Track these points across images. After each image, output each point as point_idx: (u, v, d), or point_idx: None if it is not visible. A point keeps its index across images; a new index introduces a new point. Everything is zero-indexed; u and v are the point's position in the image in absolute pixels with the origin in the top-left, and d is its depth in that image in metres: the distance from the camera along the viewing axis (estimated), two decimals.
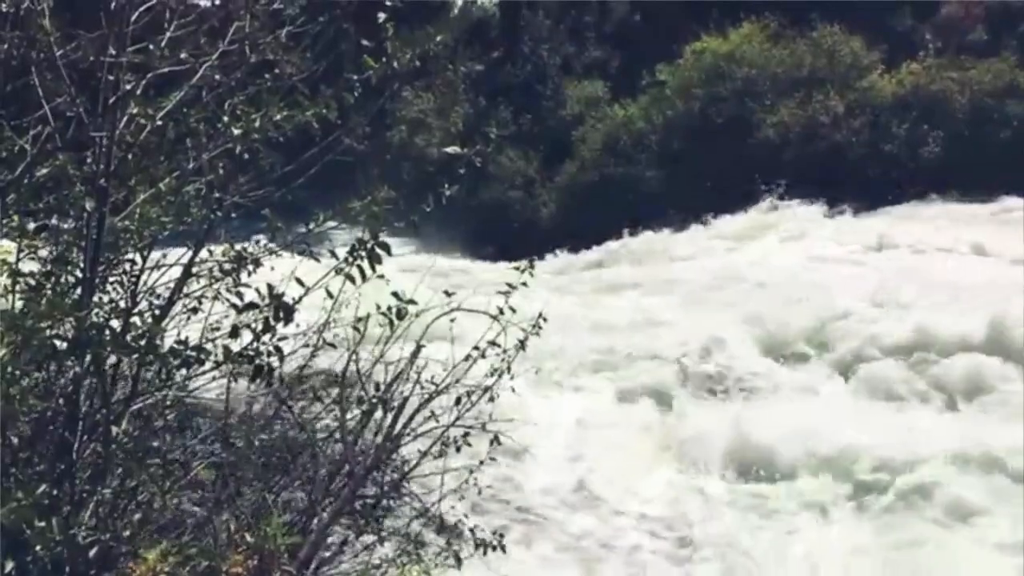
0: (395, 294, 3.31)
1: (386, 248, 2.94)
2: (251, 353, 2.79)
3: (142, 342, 2.67)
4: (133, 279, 3.26)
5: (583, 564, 7.49)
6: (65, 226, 3.13)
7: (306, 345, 3.94)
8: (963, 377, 10.12)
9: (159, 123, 2.93)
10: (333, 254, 3.03)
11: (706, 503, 8.30)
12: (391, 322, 3.37)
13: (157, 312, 3.16)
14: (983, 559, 7.11)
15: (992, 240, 15.35)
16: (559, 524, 7.99)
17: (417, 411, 4.05)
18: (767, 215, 19.06)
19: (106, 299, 3.07)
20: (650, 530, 7.90)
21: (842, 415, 9.61)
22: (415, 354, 4.11)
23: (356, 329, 3.88)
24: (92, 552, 2.65)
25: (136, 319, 2.84)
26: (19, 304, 2.79)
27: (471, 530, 4.21)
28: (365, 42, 3.12)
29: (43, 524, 2.41)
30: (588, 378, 11.27)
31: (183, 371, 2.89)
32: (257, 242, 3.33)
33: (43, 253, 3.13)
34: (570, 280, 17.09)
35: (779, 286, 13.75)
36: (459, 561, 4.03)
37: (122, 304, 3.06)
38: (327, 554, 3.87)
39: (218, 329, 3.20)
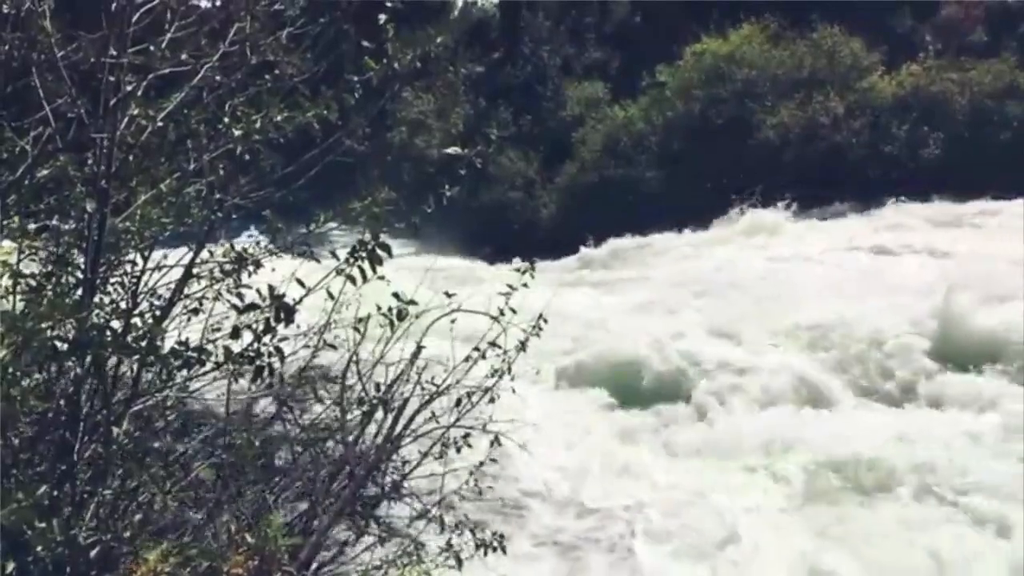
0: (396, 295, 3.32)
1: (387, 249, 2.94)
2: (252, 354, 2.79)
3: (143, 343, 2.67)
4: (134, 280, 3.26)
5: (562, 555, 7.65)
6: (66, 227, 3.13)
7: (307, 346, 3.94)
8: (903, 371, 10.88)
9: (160, 124, 2.93)
10: (334, 255, 3.03)
11: (655, 489, 8.57)
12: (391, 323, 3.37)
13: (158, 313, 3.15)
14: (903, 514, 7.73)
15: (954, 241, 15.78)
16: (536, 516, 8.16)
17: (417, 412, 4.05)
18: (738, 220, 19.39)
19: (107, 300, 3.07)
20: (605, 517, 8.10)
21: (791, 408, 10.25)
22: (415, 355, 4.11)
23: (357, 330, 3.88)
24: (93, 553, 2.64)
25: (137, 320, 2.83)
26: (20, 305, 2.79)
27: (471, 530, 4.20)
28: (365, 43, 3.13)
29: (44, 525, 2.41)
30: (551, 367, 11.67)
31: (184, 372, 2.89)
32: (257, 243, 3.33)
33: (44, 254, 3.13)
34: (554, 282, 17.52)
35: (742, 287, 14.44)
36: (459, 562, 4.02)
37: (123, 305, 3.06)
38: (328, 555, 3.87)
39: (219, 330, 3.19)
